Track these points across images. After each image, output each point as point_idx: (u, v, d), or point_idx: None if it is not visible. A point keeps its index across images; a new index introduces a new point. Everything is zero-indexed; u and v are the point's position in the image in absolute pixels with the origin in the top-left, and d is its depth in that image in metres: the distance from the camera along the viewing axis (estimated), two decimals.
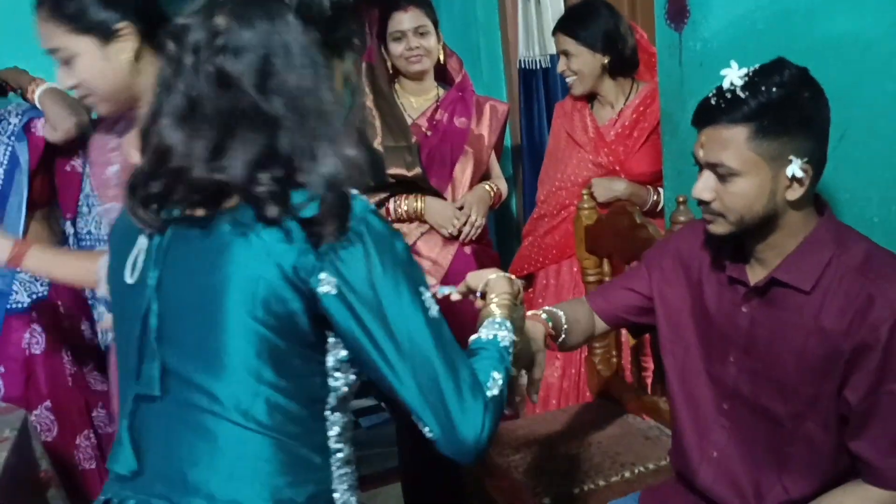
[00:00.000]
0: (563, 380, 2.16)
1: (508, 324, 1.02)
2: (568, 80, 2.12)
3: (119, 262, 0.96)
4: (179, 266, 0.90)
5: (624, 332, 1.87)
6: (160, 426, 0.90)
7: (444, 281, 2.05)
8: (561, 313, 1.33)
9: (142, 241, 0.93)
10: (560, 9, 2.47)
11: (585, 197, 1.88)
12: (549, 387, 2.17)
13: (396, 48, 2.08)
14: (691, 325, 1.30)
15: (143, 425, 0.92)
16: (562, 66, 2.11)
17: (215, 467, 0.87)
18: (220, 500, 0.87)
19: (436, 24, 2.12)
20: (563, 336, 1.33)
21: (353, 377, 0.94)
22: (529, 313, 1.31)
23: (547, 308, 1.34)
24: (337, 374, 0.92)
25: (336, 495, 0.93)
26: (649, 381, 1.79)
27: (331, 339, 0.90)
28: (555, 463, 1.63)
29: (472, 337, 1.01)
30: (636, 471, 1.59)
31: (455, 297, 1.18)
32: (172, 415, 0.89)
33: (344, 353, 0.91)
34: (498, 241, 2.74)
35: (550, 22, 2.45)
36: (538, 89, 2.62)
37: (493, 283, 1.10)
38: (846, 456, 1.13)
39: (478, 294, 1.13)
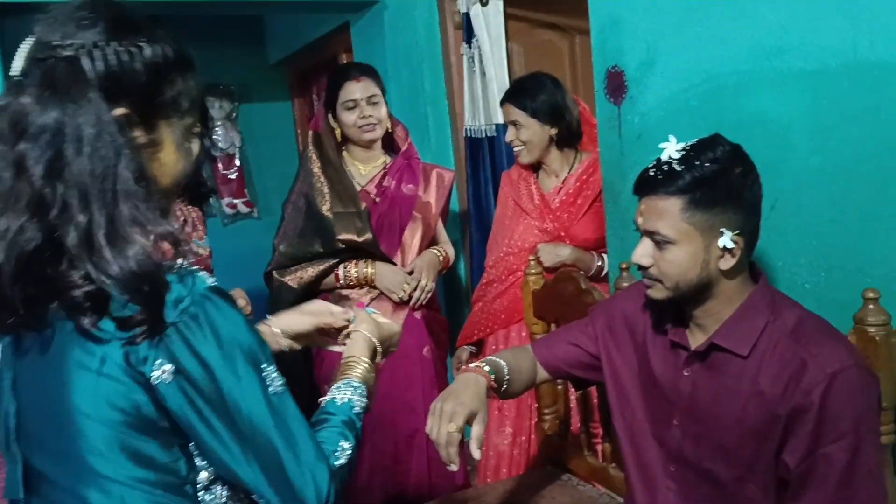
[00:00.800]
0: (514, 447, 2.15)
1: (364, 389, 1.03)
2: (516, 149, 2.15)
3: None
4: (30, 368, 0.86)
5: (574, 396, 1.88)
6: None
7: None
8: (503, 363, 1.34)
9: None
10: (505, 81, 2.55)
11: (532, 262, 1.91)
12: (500, 455, 2.15)
13: (349, 117, 2.12)
14: (637, 388, 1.32)
15: None
16: (510, 135, 2.14)
17: None
18: None
19: (384, 93, 2.17)
20: (505, 386, 1.33)
21: None
22: (472, 365, 1.32)
23: (490, 358, 1.34)
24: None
25: None
26: (599, 447, 1.79)
27: None
28: None
29: (327, 397, 1.01)
30: None
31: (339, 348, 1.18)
32: None
33: None
34: (447, 306, 2.74)
35: (496, 93, 2.52)
36: (484, 157, 2.67)
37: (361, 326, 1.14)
38: None
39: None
